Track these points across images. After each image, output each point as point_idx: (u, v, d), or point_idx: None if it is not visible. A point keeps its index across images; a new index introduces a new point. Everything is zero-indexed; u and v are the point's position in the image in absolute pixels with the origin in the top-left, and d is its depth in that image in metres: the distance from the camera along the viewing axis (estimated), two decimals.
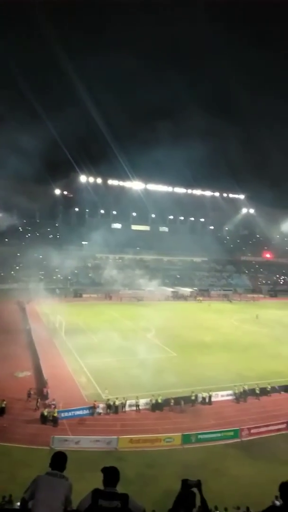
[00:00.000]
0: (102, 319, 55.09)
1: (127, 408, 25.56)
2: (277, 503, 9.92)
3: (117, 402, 25.36)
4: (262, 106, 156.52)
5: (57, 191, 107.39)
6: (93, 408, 24.78)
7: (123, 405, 25.51)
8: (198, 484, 3.85)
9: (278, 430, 23.42)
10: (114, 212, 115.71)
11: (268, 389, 29.17)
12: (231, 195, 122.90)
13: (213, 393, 27.68)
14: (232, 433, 22.66)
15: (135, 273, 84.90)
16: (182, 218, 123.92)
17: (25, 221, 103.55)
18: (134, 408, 25.68)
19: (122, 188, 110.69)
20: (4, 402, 24.59)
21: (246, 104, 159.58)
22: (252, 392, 28.61)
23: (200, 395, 27.26)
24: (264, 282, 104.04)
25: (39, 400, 25.81)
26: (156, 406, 25.84)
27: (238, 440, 22.37)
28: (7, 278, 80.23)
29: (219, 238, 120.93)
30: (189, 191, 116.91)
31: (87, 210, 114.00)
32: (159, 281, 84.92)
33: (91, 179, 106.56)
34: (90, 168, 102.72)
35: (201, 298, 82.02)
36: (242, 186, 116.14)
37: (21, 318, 54.09)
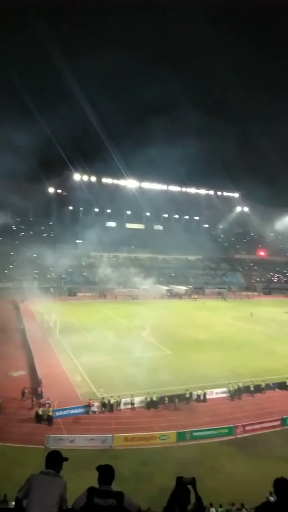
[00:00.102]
0: (97, 318, 55.03)
1: (122, 406, 25.57)
2: (271, 499, 10.00)
3: (112, 401, 25.37)
4: (256, 104, 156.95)
5: (51, 190, 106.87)
6: (88, 406, 24.75)
7: (118, 403, 25.51)
8: (193, 482, 3.86)
9: (272, 427, 23.58)
10: (109, 211, 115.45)
11: (263, 386, 29.34)
12: (225, 194, 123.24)
13: (208, 391, 27.78)
14: (226, 430, 22.77)
15: (129, 272, 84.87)
16: (176, 216, 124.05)
17: (18, 219, 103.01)
18: (129, 406, 25.71)
19: (116, 186, 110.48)
20: None
21: (241, 102, 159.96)
22: (246, 389, 28.74)
23: (195, 393, 27.36)
24: (258, 280, 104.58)
25: (34, 399, 25.74)
26: (151, 404, 25.89)
27: (233, 437, 22.49)
28: (0, 277, 79.77)
29: (213, 236, 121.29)
30: (184, 189, 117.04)
31: (81, 209, 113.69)
32: (154, 280, 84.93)
33: (85, 177, 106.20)
34: (84, 166, 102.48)
35: (195, 296, 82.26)
36: (237, 184, 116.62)
37: (15, 317, 53.87)
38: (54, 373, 31.45)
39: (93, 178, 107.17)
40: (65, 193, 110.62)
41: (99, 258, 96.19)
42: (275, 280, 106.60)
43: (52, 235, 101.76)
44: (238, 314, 62.95)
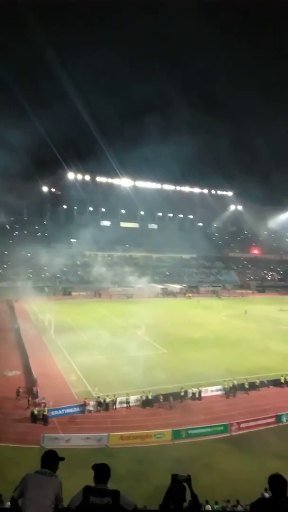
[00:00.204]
0: (92, 317, 54.95)
1: (117, 405, 25.59)
2: (266, 495, 10.08)
3: (107, 399, 25.38)
4: (250, 103, 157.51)
5: (45, 189, 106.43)
6: (83, 405, 24.73)
7: (114, 402, 25.53)
8: (188, 479, 3.87)
9: (267, 424, 23.73)
10: (103, 210, 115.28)
11: (257, 384, 29.51)
12: (219, 192, 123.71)
13: (203, 389, 27.87)
14: (222, 428, 22.87)
15: (124, 271, 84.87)
16: (171, 215, 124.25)
17: (12, 219, 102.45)
18: (125, 405, 25.74)
19: (110, 185, 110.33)
20: None
21: (235, 101, 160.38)
22: (241, 387, 28.89)
23: (190, 391, 27.44)
24: (252, 278, 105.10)
25: (30, 398, 25.67)
26: (146, 403, 25.92)
27: (228, 434, 22.60)
28: None
29: (207, 235, 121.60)
30: (178, 188, 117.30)
31: (75, 208, 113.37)
32: (149, 278, 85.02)
33: (79, 176, 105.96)
34: (78, 165, 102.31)
35: (190, 295, 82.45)
36: (231, 183, 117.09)
37: (9, 317, 53.62)
38: (49, 372, 31.37)
39: (87, 177, 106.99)
40: (59, 192, 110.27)
41: (93, 257, 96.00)
42: (268, 278, 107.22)
43: (46, 234, 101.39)
44: (233, 312, 63.22)
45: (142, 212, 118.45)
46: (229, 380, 29.06)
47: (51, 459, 4.05)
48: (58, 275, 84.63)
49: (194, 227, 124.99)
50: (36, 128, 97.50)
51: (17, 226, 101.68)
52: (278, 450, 20.59)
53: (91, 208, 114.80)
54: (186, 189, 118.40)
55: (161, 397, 26.17)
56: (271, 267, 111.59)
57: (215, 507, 14.89)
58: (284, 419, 24.16)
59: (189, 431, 22.35)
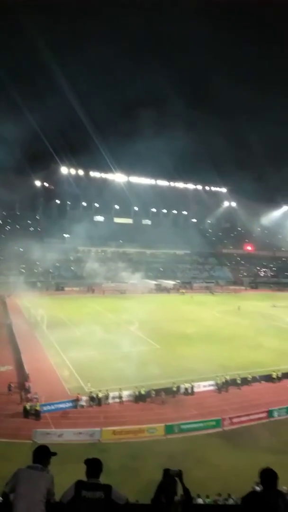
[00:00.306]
0: (85, 313, 54.88)
1: (110, 400, 25.63)
2: (257, 488, 10.17)
3: (100, 395, 25.39)
4: (245, 99, 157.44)
5: (38, 183, 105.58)
6: (76, 401, 24.73)
7: (106, 397, 25.56)
8: (180, 474, 3.89)
9: (259, 419, 23.93)
10: (96, 205, 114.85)
11: (249, 379, 29.73)
12: (213, 189, 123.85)
13: (195, 384, 28.01)
14: (214, 423, 23.00)
15: (118, 266, 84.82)
16: (165, 211, 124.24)
17: (4, 213, 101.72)
18: (117, 400, 25.78)
19: (104, 181, 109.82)
20: None
21: (229, 97, 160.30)
22: (233, 382, 29.08)
23: (182, 386, 27.56)
24: (245, 274, 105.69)
25: (23, 393, 25.60)
26: (139, 398, 26.00)
27: (220, 429, 22.75)
28: None
29: (201, 231, 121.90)
30: (172, 184, 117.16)
31: (68, 203, 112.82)
32: (142, 274, 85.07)
33: (73, 171, 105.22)
34: (71, 160, 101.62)
35: (183, 291, 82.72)
36: (225, 179, 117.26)
37: (1, 312, 53.36)
38: (42, 367, 31.30)
39: (81, 172, 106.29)
40: (52, 187, 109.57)
41: (87, 253, 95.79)
42: (261, 275, 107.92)
43: (39, 229, 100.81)
44: (226, 308, 63.55)
45: (136, 208, 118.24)
46: (222, 375, 29.23)
47: (42, 454, 4.04)
48: (51, 270, 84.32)
49: (188, 223, 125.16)
50: (29, 121, 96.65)
51: (9, 220, 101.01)
52: (269, 444, 20.80)
53: (84, 203, 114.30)
54: (180, 185, 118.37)
55: (153, 392, 26.26)
56: (264, 263, 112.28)
57: (207, 500, 14.99)
58: (275, 414, 24.38)
59: (182, 426, 22.46)
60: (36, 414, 23.00)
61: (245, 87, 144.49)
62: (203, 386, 28.42)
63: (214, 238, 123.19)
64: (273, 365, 32.56)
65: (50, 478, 3.85)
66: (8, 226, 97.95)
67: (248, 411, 24.43)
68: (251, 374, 30.20)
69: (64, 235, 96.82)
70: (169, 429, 22.10)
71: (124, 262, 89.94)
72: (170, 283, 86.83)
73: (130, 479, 16.82)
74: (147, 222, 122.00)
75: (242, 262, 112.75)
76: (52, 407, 24.08)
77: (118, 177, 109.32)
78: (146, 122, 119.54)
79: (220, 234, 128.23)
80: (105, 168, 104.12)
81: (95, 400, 25.15)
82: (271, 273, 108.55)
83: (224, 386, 28.52)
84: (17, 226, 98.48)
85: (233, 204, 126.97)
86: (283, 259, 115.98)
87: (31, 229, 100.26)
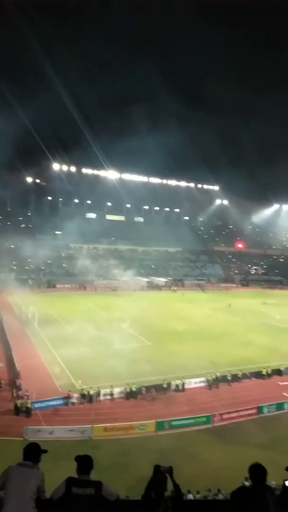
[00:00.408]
0: (77, 310, 54.76)
1: (101, 397, 25.65)
2: (247, 484, 10.29)
3: (91, 392, 25.40)
4: (237, 97, 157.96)
5: (29, 179, 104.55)
6: (67, 398, 24.71)
7: (97, 394, 25.57)
8: (170, 470, 3.93)
9: (249, 415, 24.17)
10: (89, 202, 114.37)
11: (239, 376, 29.98)
12: (205, 186, 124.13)
13: (186, 380, 28.17)
14: (204, 419, 23.18)
15: (109, 263, 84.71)
16: (157, 208, 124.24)
17: None
18: (109, 397, 25.81)
19: (96, 177, 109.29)
20: None
21: (222, 95, 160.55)
22: (224, 378, 29.31)
23: (173, 383, 27.69)
24: (236, 272, 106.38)
25: (14, 390, 25.47)
26: (130, 395, 26.07)
27: (211, 425, 22.93)
28: None
29: (193, 229, 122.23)
30: (164, 181, 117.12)
31: (60, 199, 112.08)
32: (134, 271, 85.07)
33: (65, 167, 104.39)
34: (63, 156, 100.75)
35: (175, 288, 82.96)
36: (217, 177, 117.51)
37: None
38: (33, 364, 31.17)
39: (73, 169, 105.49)
40: (44, 183, 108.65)
41: (78, 250, 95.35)
42: (252, 272, 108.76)
43: (30, 226, 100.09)
44: (217, 305, 63.89)
45: (128, 205, 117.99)
46: (212, 372, 29.43)
47: (33, 451, 4.05)
48: (42, 267, 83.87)
49: (180, 221, 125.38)
50: (20, 117, 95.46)
51: (0, 217, 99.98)
52: (259, 440, 21.02)
53: (76, 200, 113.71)
54: (172, 182, 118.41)
55: (144, 389, 26.35)
56: (255, 261, 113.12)
57: (197, 496, 15.14)
58: (265, 410, 24.65)
59: (172, 423, 22.60)
60: (27, 411, 22.94)
61: (238, 85, 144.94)
62: (194, 383, 28.61)
63: (206, 236, 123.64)
64: (263, 362, 32.90)
65: (40, 475, 3.86)
66: None
67: (238, 407, 24.65)
68: (241, 371, 30.45)
69: (56, 232, 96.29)
70: (159, 426, 22.22)
71: (116, 259, 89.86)
72: (161, 280, 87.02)
73: (121, 476, 16.89)
74: (139, 219, 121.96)
75: (233, 259, 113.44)
76: (43, 404, 24.03)
77: (110, 174, 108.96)
78: (138, 119, 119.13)
79: (212, 231, 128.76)
80: (98, 165, 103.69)
81: (86, 397, 25.16)
82: (262, 271, 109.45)
83: (214, 383, 28.73)
84: (8, 222, 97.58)
85: (225, 202, 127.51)
86: (273, 257, 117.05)
87: (23, 225, 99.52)
